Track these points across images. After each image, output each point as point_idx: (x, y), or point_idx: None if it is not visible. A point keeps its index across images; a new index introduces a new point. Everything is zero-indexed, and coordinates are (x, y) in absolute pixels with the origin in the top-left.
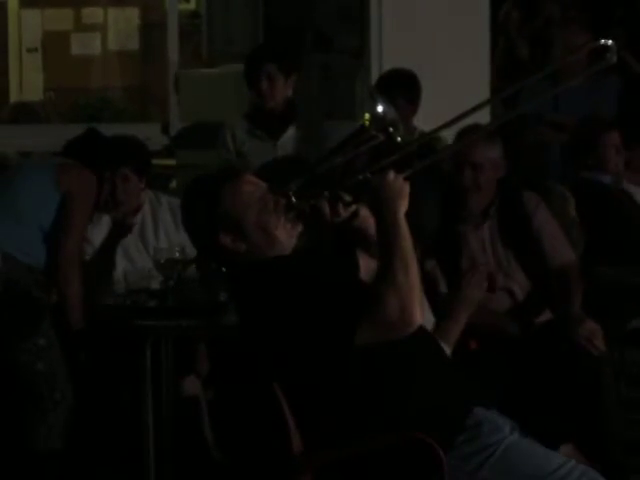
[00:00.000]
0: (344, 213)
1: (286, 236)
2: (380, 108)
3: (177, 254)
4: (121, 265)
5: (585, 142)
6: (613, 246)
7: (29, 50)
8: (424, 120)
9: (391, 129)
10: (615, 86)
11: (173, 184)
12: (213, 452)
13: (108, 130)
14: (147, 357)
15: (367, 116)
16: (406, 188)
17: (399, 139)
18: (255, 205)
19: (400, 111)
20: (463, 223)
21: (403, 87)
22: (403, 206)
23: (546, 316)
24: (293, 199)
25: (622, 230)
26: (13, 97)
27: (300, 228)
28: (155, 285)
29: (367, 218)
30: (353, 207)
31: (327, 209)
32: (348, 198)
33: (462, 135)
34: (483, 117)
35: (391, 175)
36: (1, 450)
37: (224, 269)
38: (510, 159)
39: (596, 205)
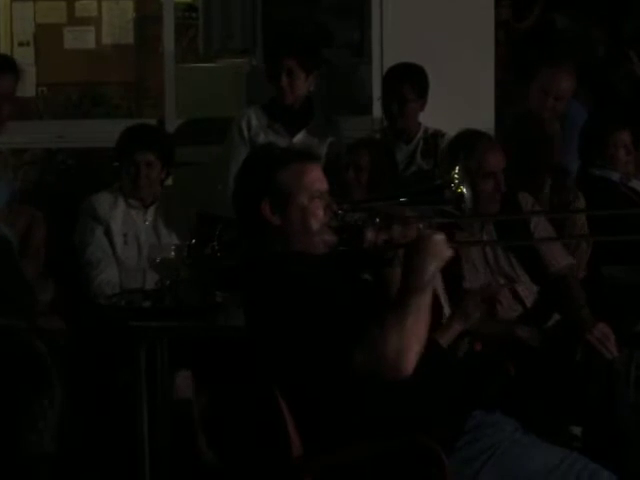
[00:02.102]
0: (380, 248)
1: (319, 238)
2: (467, 191)
3: (172, 253)
4: (133, 256)
5: (595, 140)
6: (620, 245)
7: (21, 44)
8: (426, 116)
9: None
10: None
11: (169, 181)
12: (205, 455)
13: (103, 126)
14: (142, 358)
15: (455, 178)
16: (448, 254)
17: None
18: (310, 193)
19: (408, 105)
20: (460, 231)
21: (412, 81)
22: (437, 268)
23: (555, 318)
24: (341, 212)
25: (630, 228)
26: None
27: (334, 241)
28: (150, 285)
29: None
30: (393, 254)
31: (370, 236)
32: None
33: (480, 142)
34: (487, 117)
35: (440, 237)
36: None
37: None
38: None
39: (604, 202)
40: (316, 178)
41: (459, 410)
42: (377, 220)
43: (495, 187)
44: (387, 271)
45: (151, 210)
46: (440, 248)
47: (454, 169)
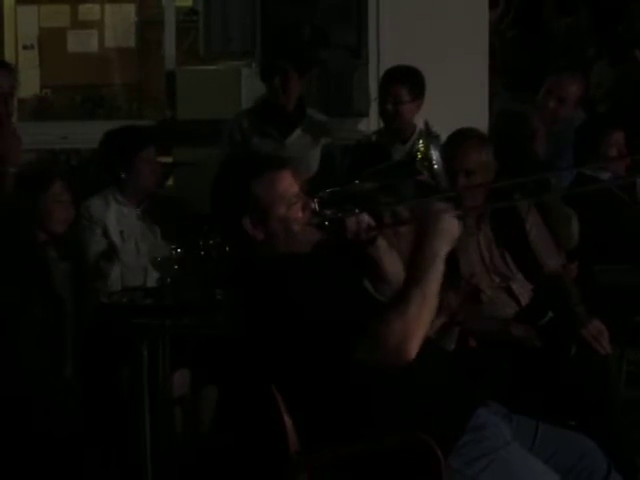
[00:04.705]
0: (364, 235)
1: (304, 238)
2: (435, 154)
3: (173, 252)
4: (132, 250)
5: (585, 140)
6: (611, 244)
7: (25, 47)
8: (421, 117)
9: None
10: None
11: (170, 182)
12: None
13: (105, 127)
14: (144, 356)
15: (421, 147)
16: (457, 232)
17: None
18: (287, 200)
19: (404, 106)
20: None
21: (407, 83)
22: (446, 248)
23: (549, 316)
24: (317, 207)
25: (620, 228)
26: None
27: (319, 236)
28: (151, 283)
29: (383, 251)
30: (374, 234)
31: (352, 226)
32: (373, 223)
33: (453, 140)
34: (482, 118)
35: (451, 213)
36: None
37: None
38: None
39: (594, 202)
40: (289, 184)
41: (459, 408)
42: (357, 209)
43: (467, 183)
44: (371, 250)
45: (142, 207)
46: (453, 225)
47: (418, 141)
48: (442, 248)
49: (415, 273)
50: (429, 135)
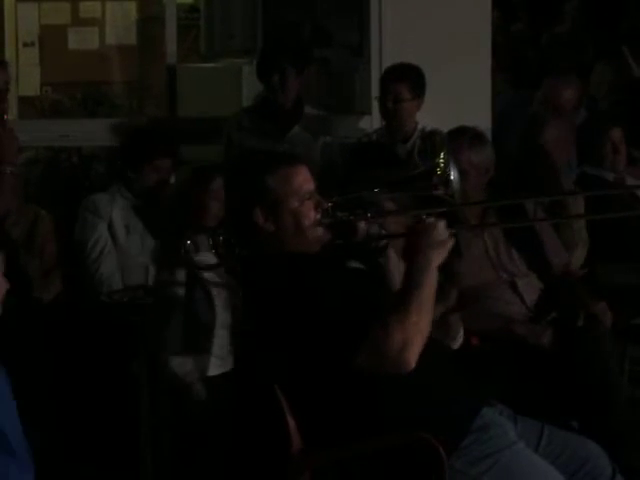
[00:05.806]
0: (374, 244)
1: (314, 237)
2: (454, 171)
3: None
4: (136, 245)
5: (587, 139)
6: (614, 243)
7: (26, 44)
8: (424, 116)
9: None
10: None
11: (172, 179)
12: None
13: (105, 125)
14: (144, 352)
15: (441, 163)
16: (450, 243)
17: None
18: (300, 196)
19: (404, 104)
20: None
21: (408, 81)
22: (440, 258)
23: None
24: (330, 208)
25: (623, 227)
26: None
27: (328, 237)
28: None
29: (392, 263)
30: (384, 242)
31: (363, 230)
32: (383, 231)
33: (450, 137)
34: (484, 117)
35: (442, 225)
36: None
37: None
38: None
39: (598, 202)
40: (304, 179)
41: (463, 408)
42: (369, 214)
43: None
44: (381, 260)
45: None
46: (443, 236)
47: (439, 155)
48: (435, 259)
49: (411, 283)
50: (445, 148)
